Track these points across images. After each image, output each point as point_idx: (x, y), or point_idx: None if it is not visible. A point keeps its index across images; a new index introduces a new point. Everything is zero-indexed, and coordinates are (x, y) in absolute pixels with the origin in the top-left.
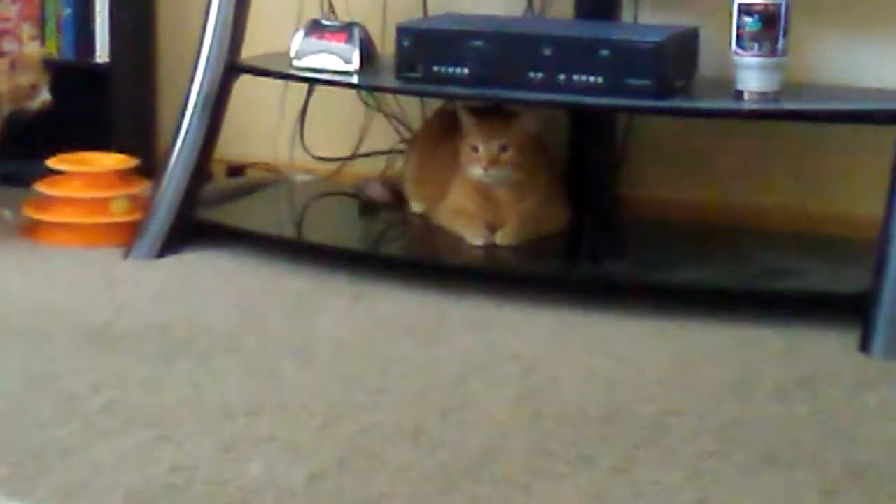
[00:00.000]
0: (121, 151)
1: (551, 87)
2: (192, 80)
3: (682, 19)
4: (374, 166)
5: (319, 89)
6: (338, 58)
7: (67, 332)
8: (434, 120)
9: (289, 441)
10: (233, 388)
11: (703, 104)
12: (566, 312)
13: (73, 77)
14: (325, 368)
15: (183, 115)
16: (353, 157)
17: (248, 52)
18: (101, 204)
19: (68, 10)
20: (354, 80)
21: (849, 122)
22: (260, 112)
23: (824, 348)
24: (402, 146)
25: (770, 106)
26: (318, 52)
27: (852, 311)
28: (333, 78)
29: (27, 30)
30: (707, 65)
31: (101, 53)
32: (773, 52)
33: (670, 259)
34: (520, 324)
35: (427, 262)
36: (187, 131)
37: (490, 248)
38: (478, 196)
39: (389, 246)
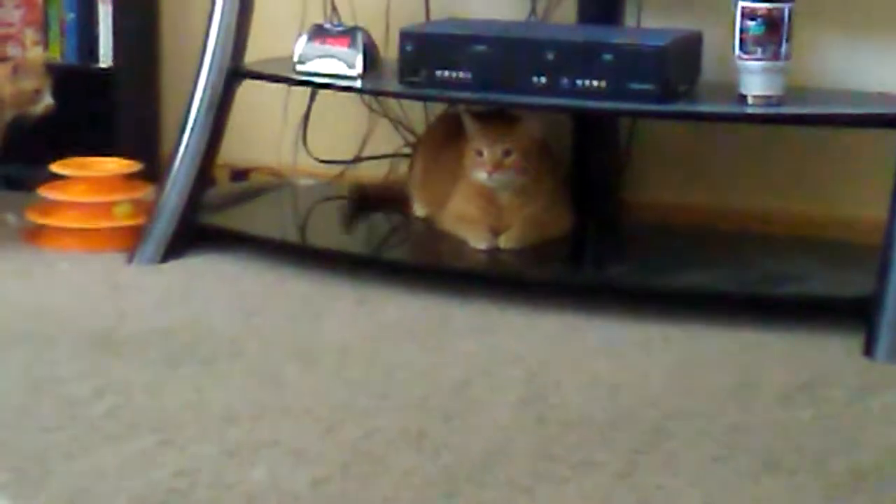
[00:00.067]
0: (124, 156)
1: (554, 91)
2: (195, 85)
3: (685, 23)
4: (378, 170)
5: (322, 93)
6: (341, 62)
7: (70, 337)
8: (438, 124)
9: (292, 445)
10: (236, 393)
11: (707, 108)
12: (569, 316)
13: (76, 82)
14: (329, 373)
15: (186, 119)
16: (356, 160)
17: (251, 57)
18: (105, 208)
19: (71, 15)
20: (357, 84)
21: (851, 125)
22: (263, 116)
23: (827, 353)
24: (405, 150)
25: (773, 110)
26: (322, 56)
27: (855, 315)
28: (336, 82)
29: (30, 35)
30: (710, 69)
31: (105, 58)
32: (776, 57)
33: (673, 263)
34: (523, 328)
35: (431, 267)
36: (190, 136)
37: (494, 252)
38: (482, 200)
39: (393, 250)
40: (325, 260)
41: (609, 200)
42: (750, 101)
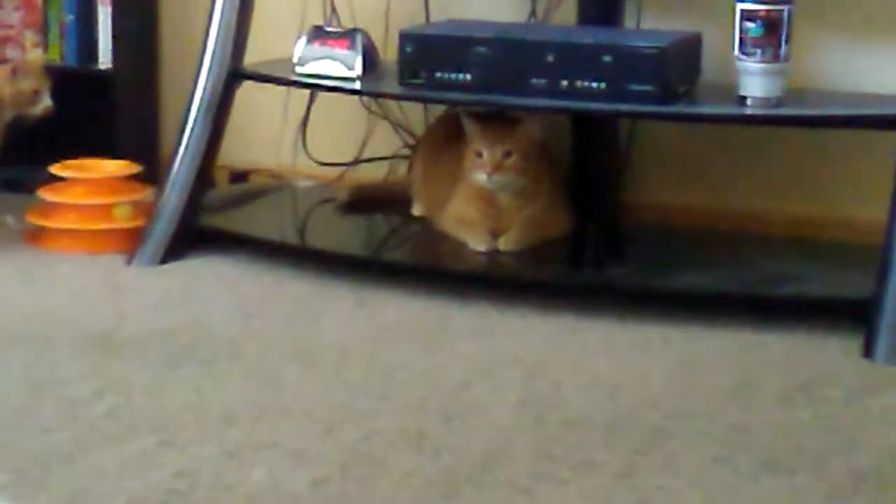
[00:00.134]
0: (124, 157)
1: (554, 93)
2: (194, 86)
3: (684, 25)
4: (377, 172)
5: (322, 95)
6: (340, 64)
7: (70, 338)
8: (437, 126)
9: (292, 447)
10: (236, 394)
11: (706, 110)
12: (569, 318)
13: (75, 83)
14: (329, 374)
15: (186, 121)
16: (355, 162)
17: (250, 59)
18: (104, 210)
19: (71, 17)
20: (357, 86)
21: (851, 127)
22: (263, 118)
23: (827, 354)
24: (405, 151)
25: (772, 111)
26: (321, 58)
27: (855, 316)
28: (336, 84)
29: (30, 36)
30: (710, 70)
31: (104, 60)
32: (775, 58)
33: (673, 264)
34: (523, 329)
35: (430, 268)
36: (190, 137)
37: (493, 253)
38: (481, 202)
39: (392, 252)
40: (325, 261)
41: (609, 202)
42: (749, 102)
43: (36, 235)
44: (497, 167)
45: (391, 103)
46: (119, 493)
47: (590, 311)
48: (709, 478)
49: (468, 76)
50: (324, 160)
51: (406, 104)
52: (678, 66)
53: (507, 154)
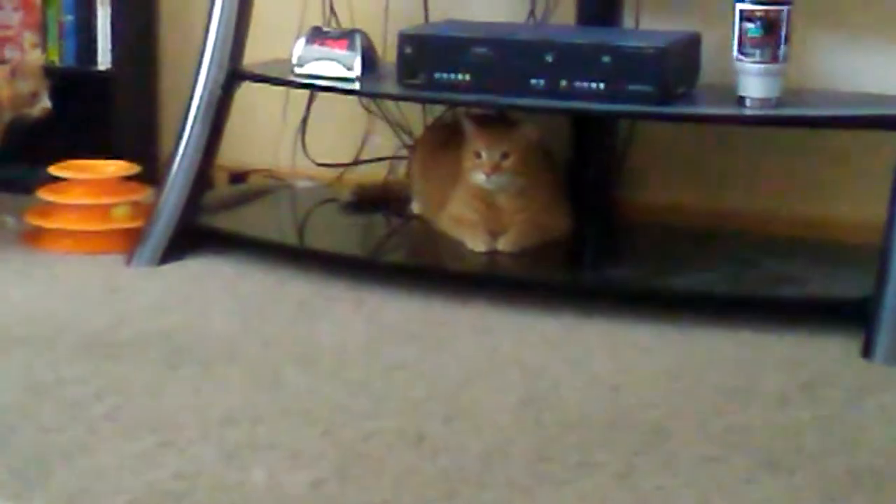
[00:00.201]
0: (123, 158)
1: (553, 93)
2: (193, 87)
3: (683, 25)
4: (376, 173)
5: (321, 96)
6: (339, 65)
7: (70, 339)
8: (436, 127)
9: (291, 447)
10: (235, 395)
11: (705, 110)
12: (568, 318)
13: (74, 84)
14: (328, 375)
15: (185, 121)
16: (354, 163)
17: (249, 59)
18: (103, 211)
19: (70, 18)
20: (356, 86)
21: (850, 127)
22: (262, 119)
23: (826, 354)
24: (404, 152)
25: (771, 112)
26: (320, 58)
27: (854, 316)
28: (335, 85)
29: (29, 37)
30: (708, 71)
31: (103, 60)
32: (774, 59)
33: (672, 264)
34: (522, 330)
35: (429, 269)
36: (189, 138)
37: (492, 254)
38: (480, 203)
39: (391, 252)
40: (324, 262)
41: (607, 202)
42: (748, 102)
43: (35, 236)
44: (495, 168)
45: (390, 104)
46: (118, 493)
47: (589, 311)
48: (708, 478)
49: (467, 77)
50: (323, 161)
51: (405, 105)
52: (677, 66)
53: (506, 155)
